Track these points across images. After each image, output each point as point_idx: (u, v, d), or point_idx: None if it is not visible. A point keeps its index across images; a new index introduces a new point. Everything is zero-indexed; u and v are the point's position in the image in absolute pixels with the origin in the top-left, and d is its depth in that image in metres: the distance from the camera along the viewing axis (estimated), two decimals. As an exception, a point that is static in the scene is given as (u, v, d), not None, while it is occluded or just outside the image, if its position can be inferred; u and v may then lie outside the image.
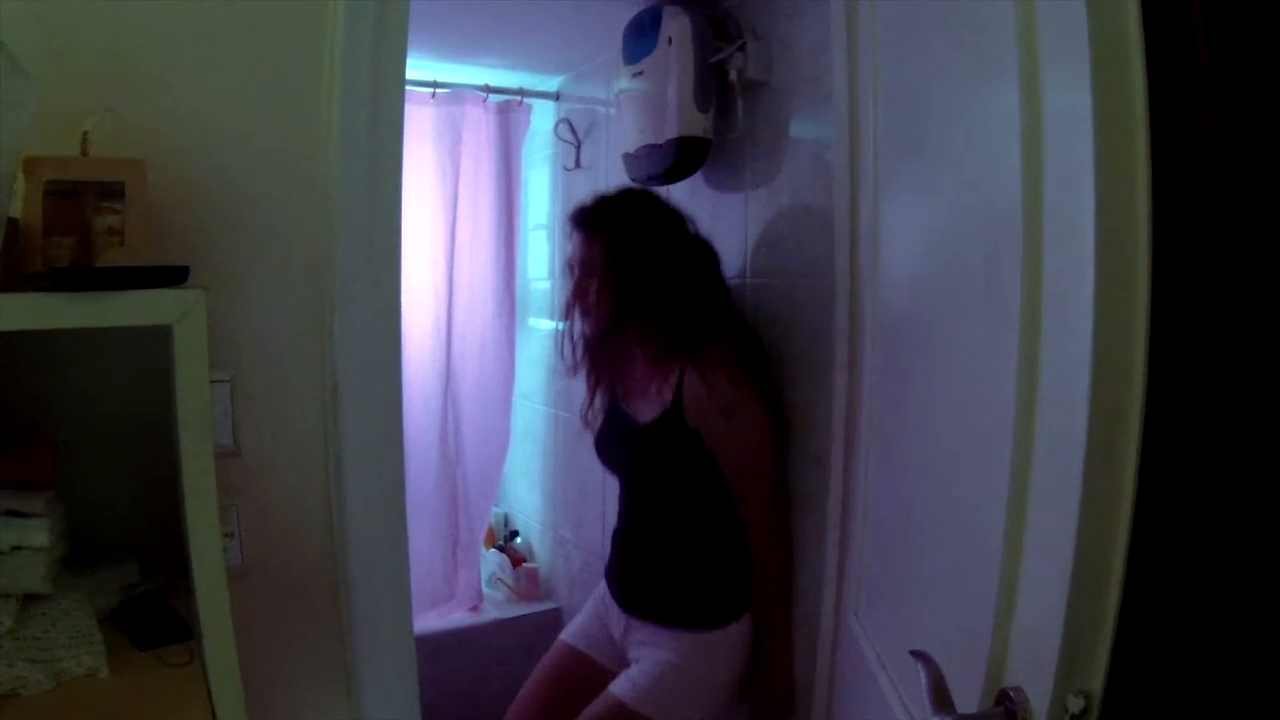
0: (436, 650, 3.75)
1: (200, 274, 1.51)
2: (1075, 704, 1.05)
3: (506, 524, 4.48)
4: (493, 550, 4.35)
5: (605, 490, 3.55)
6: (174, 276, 1.42)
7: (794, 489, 2.51)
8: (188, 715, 1.35)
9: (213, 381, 1.67)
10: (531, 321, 4.24)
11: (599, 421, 2.82)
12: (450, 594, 4.06)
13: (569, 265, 2.65)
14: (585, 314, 2.64)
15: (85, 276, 1.38)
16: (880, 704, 1.75)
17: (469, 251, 3.93)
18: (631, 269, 2.51)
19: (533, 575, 4.19)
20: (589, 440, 3.53)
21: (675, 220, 2.61)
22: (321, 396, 1.86)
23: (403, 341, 3.60)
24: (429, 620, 3.90)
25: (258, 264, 1.84)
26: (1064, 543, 1.05)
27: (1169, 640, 1.35)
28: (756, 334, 2.63)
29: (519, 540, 4.38)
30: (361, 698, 1.96)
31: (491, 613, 4.07)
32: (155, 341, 1.42)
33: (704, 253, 2.62)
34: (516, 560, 4.24)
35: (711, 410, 2.44)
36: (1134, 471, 1.02)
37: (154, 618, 1.63)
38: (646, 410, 2.61)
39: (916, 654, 1.31)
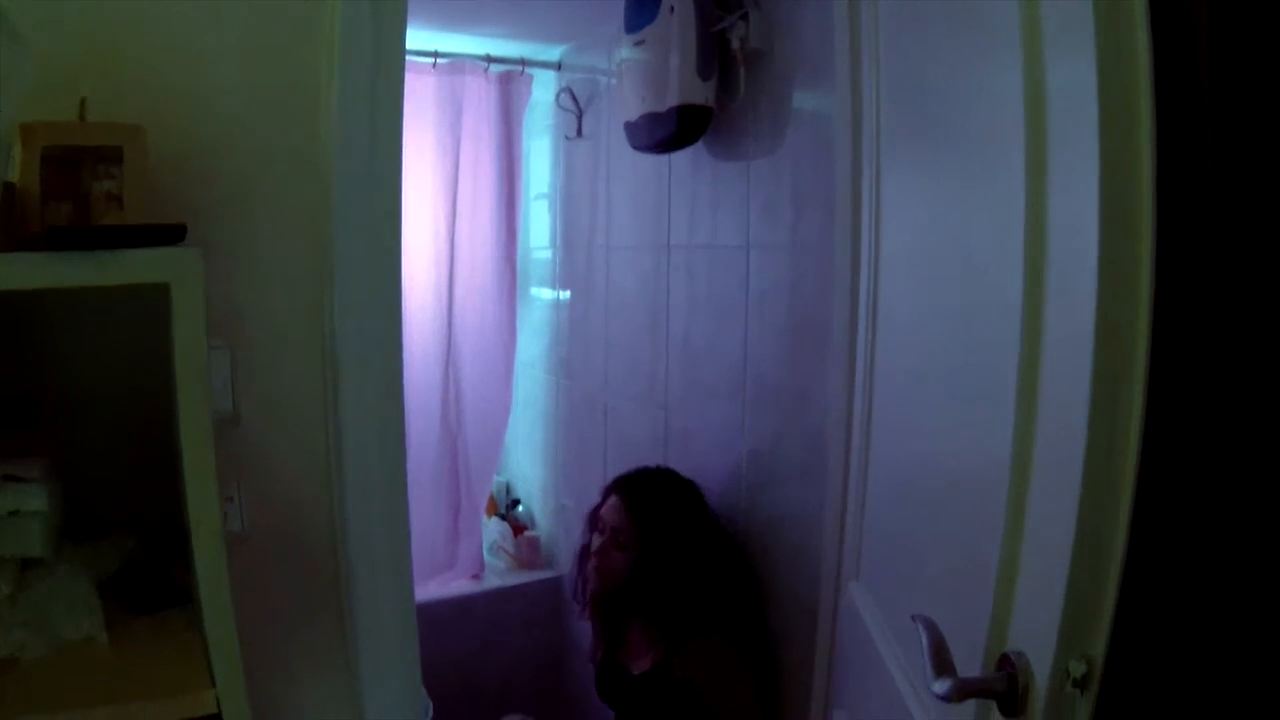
0: (438, 618, 3.77)
1: (199, 242, 1.50)
2: (1077, 669, 1.05)
3: (508, 493, 4.48)
4: (494, 519, 4.35)
5: (606, 459, 3.56)
6: (171, 235, 1.41)
7: (794, 460, 2.51)
8: (185, 680, 1.34)
9: (212, 349, 1.67)
10: (533, 291, 4.23)
11: (597, 660, 3.00)
12: (451, 562, 4.06)
13: (599, 515, 2.83)
14: (598, 571, 2.82)
15: (81, 236, 1.37)
16: (880, 669, 1.75)
17: (470, 221, 3.92)
18: (652, 560, 2.67)
19: (534, 544, 4.19)
20: (590, 409, 3.55)
21: (709, 523, 2.76)
22: (322, 364, 1.85)
23: (403, 311, 3.62)
24: (430, 589, 3.91)
25: (257, 232, 1.83)
26: (1067, 508, 1.05)
27: (1172, 606, 1.35)
28: (761, 606, 2.72)
29: (520, 509, 4.38)
30: (361, 665, 1.96)
31: (493, 581, 4.08)
32: (154, 307, 1.41)
33: (727, 550, 2.75)
34: (518, 529, 4.24)
35: (698, 682, 2.57)
36: (1137, 436, 1.01)
37: (153, 584, 1.63)
38: (637, 664, 2.78)
39: (917, 618, 1.31)
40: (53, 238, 1.34)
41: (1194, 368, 1.12)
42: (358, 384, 1.85)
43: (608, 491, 2.85)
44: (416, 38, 3.00)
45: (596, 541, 2.80)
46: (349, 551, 1.89)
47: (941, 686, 1.16)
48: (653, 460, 3.10)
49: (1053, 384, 1.13)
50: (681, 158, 2.96)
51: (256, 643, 1.78)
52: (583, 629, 3.22)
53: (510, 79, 3.90)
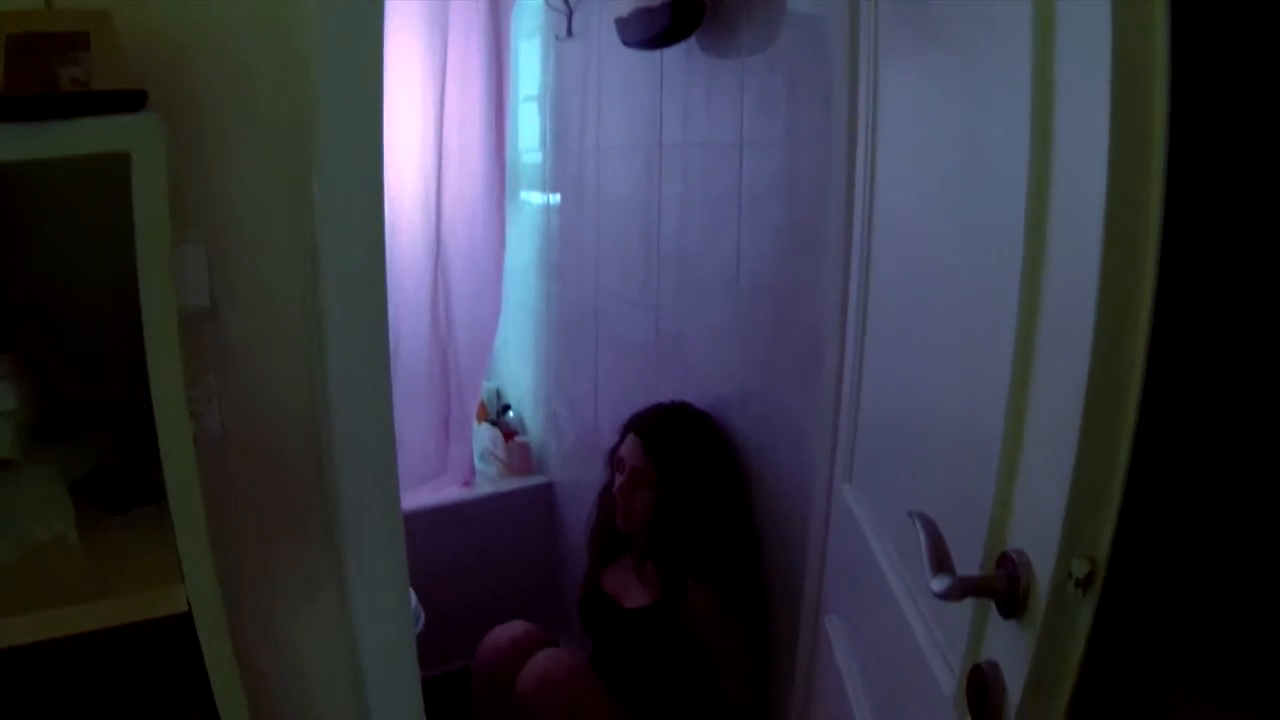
0: (429, 526, 3.78)
1: (173, 132, 1.45)
2: (1080, 568, 1.01)
3: (499, 399, 4.48)
4: (485, 425, 4.34)
5: (597, 365, 3.54)
6: (129, 102, 1.34)
7: (787, 361, 2.48)
8: (154, 576, 1.31)
9: (189, 241, 1.62)
10: (523, 195, 4.18)
11: (580, 591, 3.05)
12: (442, 469, 4.06)
13: (619, 457, 2.82)
14: (620, 510, 2.80)
15: (33, 104, 1.31)
16: (873, 572, 1.73)
17: (458, 125, 3.85)
18: (674, 500, 2.69)
19: (525, 450, 4.19)
20: (581, 313, 3.52)
21: (728, 460, 2.76)
22: (302, 258, 1.81)
23: (392, 216, 3.57)
24: (421, 496, 3.91)
25: (234, 121, 1.77)
26: (1072, 400, 1.01)
27: (1178, 507, 1.32)
28: (758, 556, 2.73)
29: (511, 415, 4.37)
30: (348, 572, 1.93)
31: (484, 487, 4.08)
32: (125, 192, 1.35)
33: (740, 493, 2.75)
34: (509, 434, 4.23)
35: (698, 628, 2.62)
36: (1146, 327, 0.97)
37: (128, 483, 1.59)
38: (632, 599, 2.82)
39: (914, 514, 1.28)
40: (5, 108, 1.28)
41: (1209, 256, 1.08)
42: (339, 276, 1.79)
43: (624, 430, 2.85)
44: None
45: (618, 482, 2.80)
46: (333, 451, 1.85)
47: (940, 584, 1.13)
48: (645, 362, 3.08)
49: (1058, 275, 1.08)
50: (674, 54, 2.90)
51: (236, 548, 1.76)
52: (576, 535, 3.23)
53: (498, -22, 3.82)
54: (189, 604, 1.30)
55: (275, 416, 1.84)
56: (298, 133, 1.80)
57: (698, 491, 2.67)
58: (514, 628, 3.02)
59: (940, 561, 1.17)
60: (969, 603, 1.23)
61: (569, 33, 3.63)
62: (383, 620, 1.99)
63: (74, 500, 1.47)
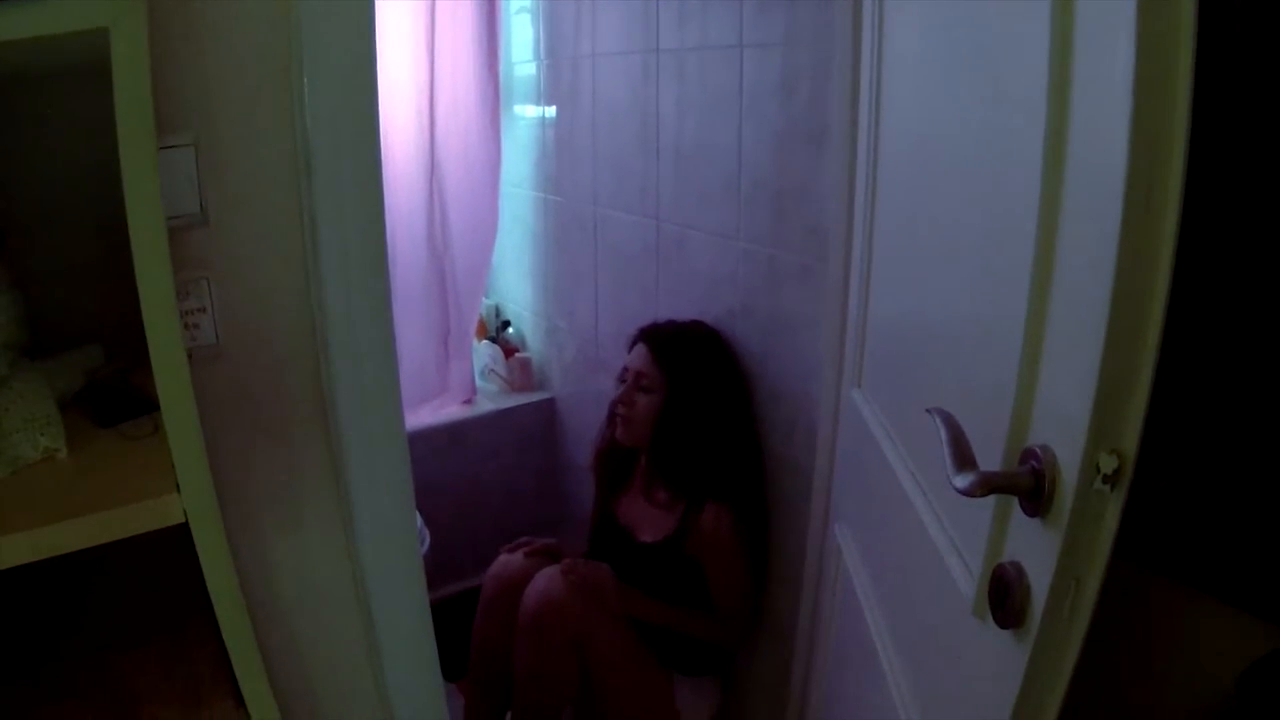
0: (431, 446, 3.77)
1: (159, 36, 1.39)
2: (1108, 463, 0.98)
3: (498, 315, 4.44)
4: (485, 342, 4.31)
5: (597, 276, 3.50)
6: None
7: (791, 263, 2.43)
8: (148, 487, 1.27)
9: (177, 146, 1.57)
10: (517, 109, 4.11)
11: (592, 521, 3.09)
12: (443, 388, 4.04)
13: (625, 367, 2.81)
14: (624, 420, 2.80)
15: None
16: (885, 473, 1.70)
17: (450, 38, 3.78)
18: (680, 405, 2.68)
19: (526, 365, 4.16)
20: (580, 225, 3.47)
21: (736, 377, 2.73)
22: (294, 163, 1.75)
23: (386, 134, 3.51)
24: (422, 415, 3.90)
25: (218, 24, 1.71)
26: (1098, 291, 0.96)
27: (1207, 402, 1.28)
28: (763, 479, 2.73)
29: (511, 331, 4.33)
30: (352, 490, 1.90)
31: (486, 405, 4.06)
32: (108, 102, 1.30)
33: (746, 413, 2.73)
34: (509, 351, 4.20)
35: (704, 555, 2.65)
36: (1176, 208, 0.93)
37: (118, 396, 1.56)
38: (647, 532, 2.80)
39: (934, 411, 1.24)
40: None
41: (1238, 133, 1.04)
42: (332, 175, 1.74)
43: (633, 341, 2.82)
44: None
45: (621, 390, 2.79)
46: (331, 361, 1.81)
47: (963, 480, 1.09)
48: (645, 271, 3.05)
49: (1083, 156, 1.04)
50: (670, -44, 2.83)
51: (234, 461, 1.72)
52: (578, 450, 3.20)
53: (489, -117, 3.73)
54: (185, 515, 1.26)
55: (273, 326, 1.79)
56: (285, 34, 1.74)
57: (703, 402, 2.65)
58: (516, 559, 2.95)
59: (962, 458, 1.14)
60: (988, 503, 1.20)
61: (561, -62, 3.56)
62: (388, 542, 1.96)
63: (66, 415, 1.43)
